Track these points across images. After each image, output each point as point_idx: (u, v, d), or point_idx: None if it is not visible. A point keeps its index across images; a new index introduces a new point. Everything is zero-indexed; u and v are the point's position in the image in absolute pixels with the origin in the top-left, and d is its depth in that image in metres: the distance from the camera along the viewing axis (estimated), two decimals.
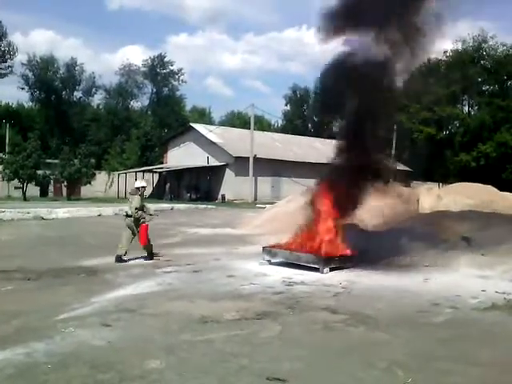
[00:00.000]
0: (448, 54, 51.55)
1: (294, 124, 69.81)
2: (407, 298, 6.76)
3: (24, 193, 38.94)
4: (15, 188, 40.69)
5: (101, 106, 68.22)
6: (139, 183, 10.22)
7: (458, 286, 7.48)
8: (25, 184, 39.33)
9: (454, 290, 7.12)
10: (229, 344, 4.65)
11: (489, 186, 16.67)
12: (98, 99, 68.03)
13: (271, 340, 4.82)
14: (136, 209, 9.63)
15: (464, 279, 8.01)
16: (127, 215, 9.77)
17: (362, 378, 3.95)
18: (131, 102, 68.81)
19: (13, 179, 39.11)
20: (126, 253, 9.56)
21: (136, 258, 9.75)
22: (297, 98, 73.42)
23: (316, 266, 8.56)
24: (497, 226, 10.39)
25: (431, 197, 15.13)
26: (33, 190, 40.91)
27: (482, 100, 52.88)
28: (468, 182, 18.56)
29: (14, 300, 6.32)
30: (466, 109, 57.24)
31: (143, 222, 9.65)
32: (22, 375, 3.84)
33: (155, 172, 46.18)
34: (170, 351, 4.42)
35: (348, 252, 9.15)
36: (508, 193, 16.69)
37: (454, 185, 18.52)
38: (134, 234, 9.65)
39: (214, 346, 4.59)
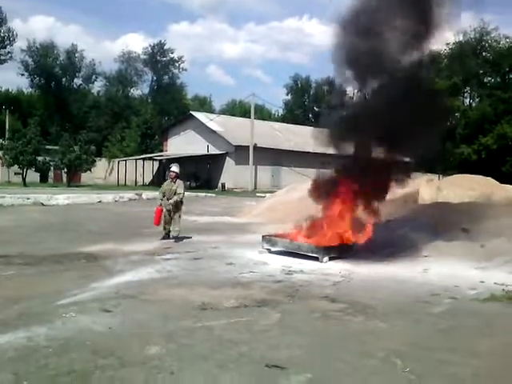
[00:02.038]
0: (450, 46, 51.25)
1: (295, 113, 69.71)
2: (406, 288, 6.79)
3: (24, 178, 38.99)
4: (15, 174, 40.76)
5: (101, 93, 67.96)
6: (175, 168, 10.96)
7: (457, 276, 7.50)
8: (25, 170, 39.34)
9: (452, 281, 7.14)
10: (228, 331, 4.67)
11: (489, 178, 16.66)
12: (98, 86, 67.89)
13: (270, 328, 4.85)
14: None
15: (463, 270, 8.02)
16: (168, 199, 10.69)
17: (360, 366, 3.98)
18: (131, 90, 68.59)
19: (13, 165, 39.17)
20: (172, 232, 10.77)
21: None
22: (298, 88, 73.26)
23: (315, 255, 8.58)
24: (496, 217, 10.39)
25: (431, 188, 15.13)
26: (33, 175, 40.96)
27: (483, 92, 52.69)
28: (468, 174, 18.54)
29: (15, 285, 6.35)
30: (467, 101, 57.02)
31: (160, 205, 10.67)
32: (23, 359, 3.87)
33: (155, 160, 46.16)
34: (170, 338, 4.44)
35: (348, 241, 9.14)
36: (508, 185, 16.69)
37: (453, 176, 18.51)
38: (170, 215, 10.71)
39: (214, 333, 4.61)
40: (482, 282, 7.16)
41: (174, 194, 10.68)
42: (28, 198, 19.27)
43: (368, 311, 5.51)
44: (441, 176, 23.26)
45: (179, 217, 10.86)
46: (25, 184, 37.60)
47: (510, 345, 4.64)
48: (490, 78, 55.14)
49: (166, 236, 10.70)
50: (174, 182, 10.86)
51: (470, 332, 4.97)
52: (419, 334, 4.85)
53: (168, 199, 10.69)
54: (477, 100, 56.41)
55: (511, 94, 48.04)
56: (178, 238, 10.68)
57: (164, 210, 10.68)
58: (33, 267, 7.50)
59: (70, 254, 8.60)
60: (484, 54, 54.13)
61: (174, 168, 10.96)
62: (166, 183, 11.09)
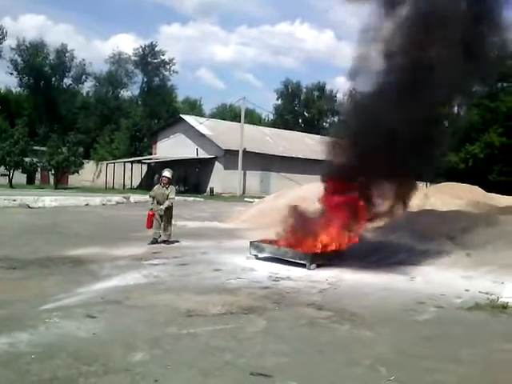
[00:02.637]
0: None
1: (285, 119, 69.82)
2: (393, 295, 6.82)
3: (10, 180, 38.54)
4: (1, 175, 40.23)
5: (90, 94, 67.49)
6: (168, 173, 10.98)
7: (443, 285, 7.56)
8: (11, 171, 38.91)
9: (438, 289, 7.19)
10: (214, 338, 4.65)
11: (475, 186, 16.84)
12: (87, 87, 67.32)
13: (256, 335, 4.84)
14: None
15: (449, 279, 8.09)
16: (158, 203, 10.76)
17: (345, 374, 3.99)
18: (121, 91, 68.17)
19: None
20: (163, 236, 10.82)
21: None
22: (288, 93, 73.37)
23: (303, 262, 8.59)
24: (482, 226, 10.50)
25: (419, 196, 15.23)
26: (19, 177, 40.50)
27: (471, 101, 53.19)
28: (455, 182, 18.72)
29: None
30: (455, 109, 57.54)
31: (152, 209, 10.72)
32: (4, 365, 3.81)
33: (144, 163, 45.90)
34: (155, 344, 4.41)
35: (335, 248, 9.16)
36: (494, 194, 16.88)
37: (441, 184, 18.67)
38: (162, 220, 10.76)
39: (199, 340, 4.59)
40: (468, 290, 7.22)
41: (166, 198, 10.69)
42: (14, 200, 19.05)
43: (354, 319, 5.53)
44: (428, 184, 23.47)
45: (170, 221, 10.91)
46: (11, 185, 37.17)
47: (493, 353, 4.68)
48: (477, 87, 55.74)
49: (155, 240, 10.67)
50: (167, 188, 10.87)
51: (455, 340, 5.01)
52: (405, 341, 4.88)
53: (158, 203, 10.70)
54: (464, 109, 56.99)
55: (499, 103, 48.62)
56: (168, 242, 10.71)
57: (156, 214, 10.69)
58: (18, 271, 7.41)
59: (56, 258, 8.51)
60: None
61: (167, 173, 10.97)
62: (156, 187, 11.08)
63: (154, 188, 11.14)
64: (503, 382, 4.08)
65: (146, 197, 24.56)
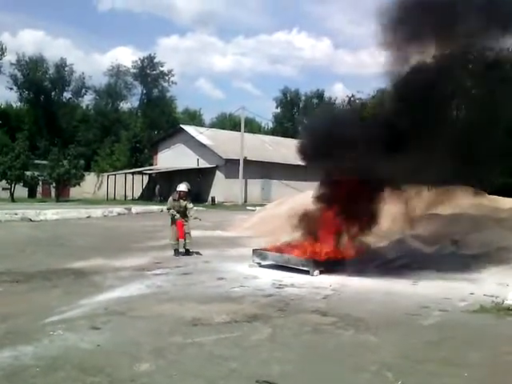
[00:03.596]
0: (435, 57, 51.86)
1: (285, 126, 69.87)
2: (397, 300, 6.79)
3: (12, 194, 38.60)
4: (3, 189, 40.28)
5: (90, 107, 67.73)
6: (184, 187, 11.13)
7: (447, 288, 7.53)
8: (13, 185, 38.97)
9: (443, 293, 7.16)
10: (219, 347, 4.63)
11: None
12: (87, 100, 67.56)
13: (261, 343, 4.81)
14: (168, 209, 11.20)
15: (453, 282, 8.05)
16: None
17: (352, 381, 3.96)
18: (121, 104, 68.41)
19: (0, 180, 38.74)
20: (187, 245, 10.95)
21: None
22: (287, 101, 73.57)
23: (306, 269, 8.57)
24: (485, 228, 10.48)
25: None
26: (21, 191, 40.55)
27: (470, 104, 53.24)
28: None
29: (2, 302, 6.25)
30: (454, 112, 57.61)
31: (178, 219, 10.84)
32: (9, 378, 3.80)
33: (145, 174, 45.95)
34: (160, 354, 4.39)
35: (339, 255, 9.14)
36: (496, 196, 16.83)
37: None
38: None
39: (204, 349, 4.57)
40: (472, 293, 7.19)
41: (185, 209, 10.96)
42: (16, 214, 19.09)
43: (359, 324, 5.50)
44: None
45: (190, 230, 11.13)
46: (13, 199, 37.23)
47: (499, 356, 4.65)
48: (477, 90, 55.81)
49: (177, 251, 10.79)
50: (183, 200, 11.04)
51: (460, 344, 4.98)
52: (410, 346, 4.85)
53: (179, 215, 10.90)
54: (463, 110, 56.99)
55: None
56: (190, 252, 10.87)
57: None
58: (21, 284, 7.41)
59: (59, 270, 8.50)
60: (470, 65, 54.88)
61: (183, 187, 11.13)
62: (170, 200, 11.19)
63: (170, 200, 11.25)
64: None
65: (147, 208, 24.61)
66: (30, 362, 4.12)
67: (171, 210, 10.98)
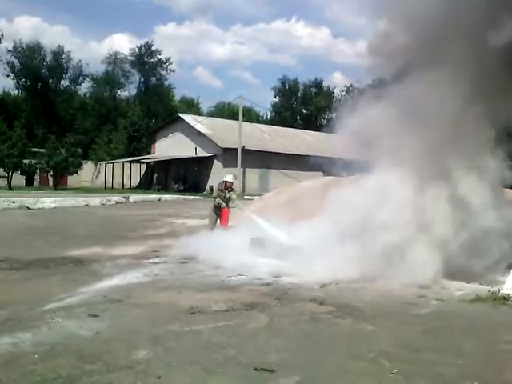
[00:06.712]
0: None
1: (283, 116, 69.64)
2: (394, 290, 6.82)
3: (9, 182, 38.51)
4: (0, 177, 40.18)
5: (88, 95, 67.32)
6: (230, 178, 11.49)
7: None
8: (10, 173, 38.87)
9: (439, 282, 7.19)
10: (216, 335, 4.66)
11: None
12: (85, 88, 67.11)
13: (258, 331, 4.84)
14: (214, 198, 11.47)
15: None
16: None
17: (348, 368, 3.99)
18: (118, 91, 67.99)
19: None
20: None
21: None
22: (286, 90, 73.23)
23: None
24: None
25: None
26: (18, 179, 40.45)
27: None
28: None
29: (1, 290, 6.26)
30: None
31: (224, 207, 11.09)
32: (8, 365, 3.82)
33: (143, 162, 45.87)
34: (157, 342, 4.42)
35: None
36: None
37: None
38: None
39: (202, 337, 4.60)
40: (468, 282, 7.22)
41: (229, 199, 11.15)
42: (13, 202, 19.05)
43: (356, 313, 5.54)
44: None
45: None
46: (10, 187, 37.14)
47: (495, 344, 4.69)
48: None
49: None
50: (228, 191, 11.24)
51: (457, 333, 5.02)
52: (407, 335, 4.89)
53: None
54: None
55: None
56: None
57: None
58: (19, 272, 7.42)
59: (57, 258, 8.51)
60: None
61: (231, 178, 11.44)
62: (216, 189, 11.63)
63: (215, 189, 11.76)
64: (506, 373, 4.08)
65: (145, 197, 24.64)
66: (28, 349, 4.14)
67: (217, 199, 11.19)
